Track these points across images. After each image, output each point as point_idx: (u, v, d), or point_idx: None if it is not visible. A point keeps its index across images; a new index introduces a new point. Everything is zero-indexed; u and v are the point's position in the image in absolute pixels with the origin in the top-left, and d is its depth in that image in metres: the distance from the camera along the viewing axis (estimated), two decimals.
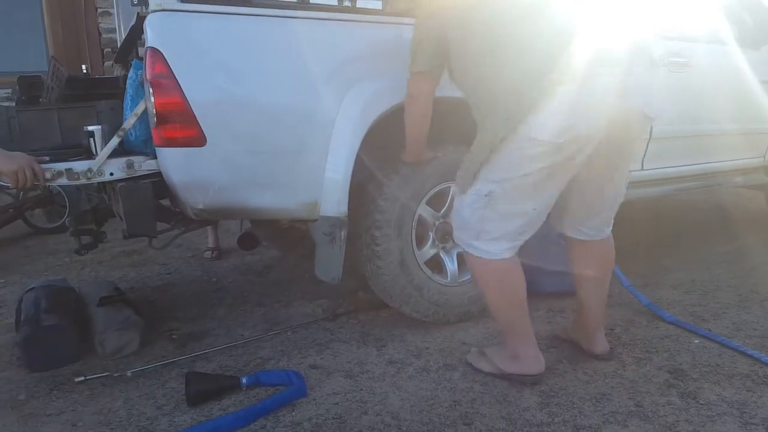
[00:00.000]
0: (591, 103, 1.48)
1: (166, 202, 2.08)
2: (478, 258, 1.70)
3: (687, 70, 2.65)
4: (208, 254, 3.32)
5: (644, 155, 2.65)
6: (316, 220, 1.96)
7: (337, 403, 1.67)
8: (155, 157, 1.88)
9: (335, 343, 2.09)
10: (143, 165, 1.90)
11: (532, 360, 1.74)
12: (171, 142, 1.83)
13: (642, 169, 2.68)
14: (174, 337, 2.19)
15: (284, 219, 2.16)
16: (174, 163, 1.85)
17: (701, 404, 1.59)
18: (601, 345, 1.88)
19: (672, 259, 2.89)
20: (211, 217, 2.05)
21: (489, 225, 1.64)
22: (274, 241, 3.02)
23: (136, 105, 1.89)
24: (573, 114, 1.47)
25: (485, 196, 1.62)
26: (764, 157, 3.12)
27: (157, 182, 1.89)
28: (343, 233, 1.94)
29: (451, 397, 1.68)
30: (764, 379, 1.71)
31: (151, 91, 1.78)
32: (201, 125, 1.80)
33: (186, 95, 1.78)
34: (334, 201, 1.93)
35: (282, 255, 3.21)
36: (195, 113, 1.79)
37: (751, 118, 2.95)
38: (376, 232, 2.04)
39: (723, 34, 2.88)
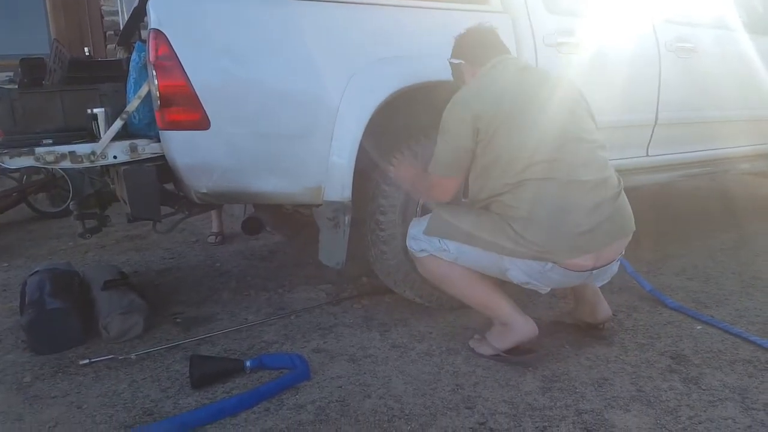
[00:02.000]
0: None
1: (170, 187, 2.09)
2: (429, 257, 1.80)
3: (694, 55, 2.63)
4: (211, 239, 3.33)
5: (649, 141, 2.64)
6: (320, 205, 1.96)
7: (341, 387, 1.68)
8: (159, 141, 1.88)
9: (339, 327, 2.10)
10: (147, 148, 1.89)
11: (521, 325, 1.77)
12: (174, 125, 1.82)
13: (647, 155, 2.67)
14: (178, 320, 2.20)
15: (288, 204, 2.16)
16: (177, 146, 1.84)
17: (703, 389, 1.60)
18: (604, 312, 1.91)
19: (676, 246, 2.89)
20: (215, 201, 2.05)
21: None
22: (278, 226, 3.02)
23: (140, 88, 1.88)
24: None
25: (449, 252, 1.77)
26: None
27: (161, 166, 1.89)
28: (347, 218, 1.94)
29: (454, 381, 1.69)
30: (766, 365, 1.71)
31: (154, 73, 1.77)
32: (205, 108, 1.79)
33: (189, 77, 1.77)
34: (338, 186, 1.93)
35: (286, 240, 3.21)
36: (199, 96, 1.78)
37: (758, 104, 2.93)
38: (381, 217, 2.04)
39: (731, 19, 2.85)
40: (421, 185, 1.90)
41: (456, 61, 1.85)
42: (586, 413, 1.51)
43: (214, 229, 3.37)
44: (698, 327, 1.99)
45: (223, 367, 1.77)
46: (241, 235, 3.14)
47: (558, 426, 1.45)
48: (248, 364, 1.78)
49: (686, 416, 1.48)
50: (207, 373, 1.72)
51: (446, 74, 1.92)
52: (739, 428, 1.42)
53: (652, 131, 2.61)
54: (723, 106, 2.80)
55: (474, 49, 1.82)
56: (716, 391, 1.59)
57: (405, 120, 2.07)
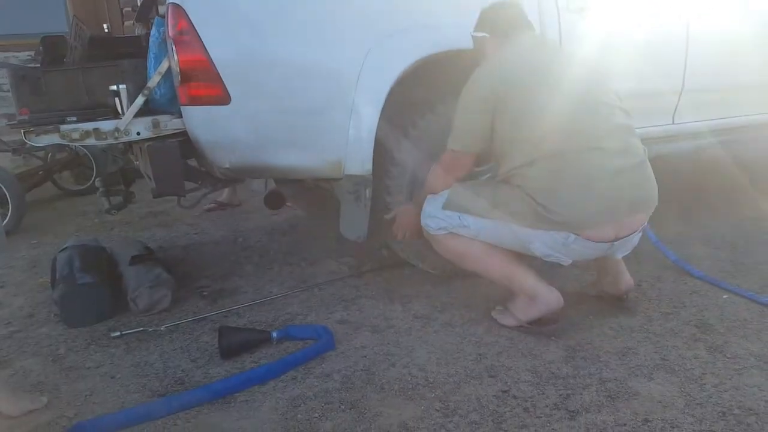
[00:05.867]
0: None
1: (193, 163, 2.10)
2: (448, 235, 1.79)
3: (723, 19, 2.54)
4: (208, 206, 3.38)
5: (675, 109, 2.57)
6: (341, 178, 1.97)
7: (365, 356, 1.71)
8: (181, 116, 1.89)
9: (361, 299, 2.12)
10: (169, 124, 1.91)
11: (546, 295, 1.76)
12: (196, 101, 1.84)
13: (673, 123, 2.61)
14: (204, 294, 2.25)
15: (309, 178, 2.17)
16: (199, 121, 1.86)
17: (728, 357, 1.59)
18: (626, 282, 1.91)
19: (702, 216, 2.84)
20: (237, 176, 2.08)
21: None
22: (299, 200, 3.04)
23: (160, 63, 1.89)
24: None
25: (469, 229, 1.75)
26: None
27: (184, 141, 1.91)
28: (368, 191, 1.95)
29: (476, 350, 1.71)
30: None
31: (174, 48, 1.78)
32: (225, 83, 1.80)
33: (209, 52, 1.77)
34: (358, 159, 1.93)
35: (307, 214, 3.23)
36: (219, 71, 1.79)
37: None
38: (388, 198, 2.04)
39: None
40: (435, 173, 1.84)
41: (479, 35, 1.83)
42: (609, 381, 1.51)
43: (221, 199, 3.42)
44: (724, 296, 1.97)
45: (250, 337, 1.81)
46: (262, 210, 3.16)
47: (581, 394, 1.46)
48: (275, 335, 1.81)
49: (711, 384, 1.48)
50: (235, 343, 1.76)
51: (465, 43, 1.89)
52: (765, 395, 1.41)
53: (679, 98, 2.54)
54: (750, 72, 2.71)
55: (498, 23, 1.80)
56: (741, 359, 1.58)
57: (424, 92, 2.05)
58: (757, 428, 1.30)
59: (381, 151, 1.99)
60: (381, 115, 1.90)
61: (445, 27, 1.99)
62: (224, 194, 3.45)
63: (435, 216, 1.81)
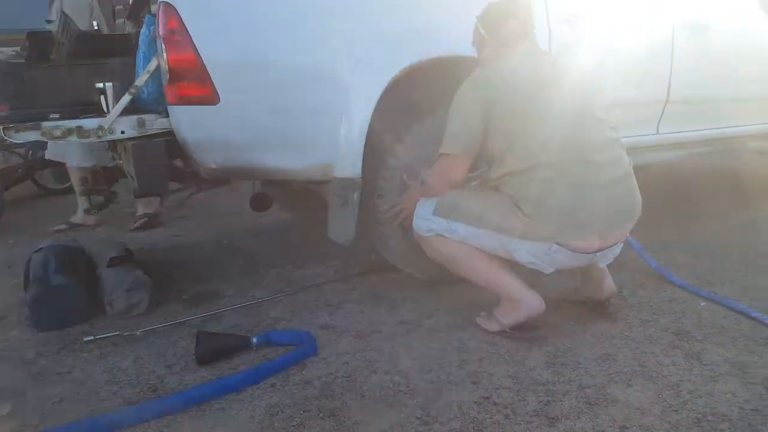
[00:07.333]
0: None
1: (179, 164, 2.09)
2: (437, 237, 1.80)
3: (707, 32, 2.59)
4: (137, 223, 3.14)
5: (660, 118, 2.62)
6: (330, 181, 1.97)
7: (347, 363, 1.70)
8: (167, 116, 1.88)
9: (347, 303, 2.12)
10: (155, 123, 1.90)
11: (529, 300, 1.78)
12: (184, 100, 1.83)
13: (657, 132, 2.66)
14: (184, 297, 2.21)
15: (298, 180, 2.17)
16: (186, 121, 1.85)
17: (704, 365, 1.62)
18: (608, 289, 1.93)
19: (684, 224, 2.89)
20: (224, 177, 2.06)
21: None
22: (287, 202, 3.03)
23: (149, 62, 1.88)
24: None
25: (457, 233, 1.77)
26: None
27: (170, 141, 1.89)
28: (356, 195, 1.95)
29: (460, 356, 1.71)
30: (766, 341, 1.73)
31: (163, 47, 1.77)
32: (214, 83, 1.79)
33: (199, 52, 1.76)
34: (348, 162, 1.93)
35: (294, 217, 3.22)
36: (208, 70, 1.78)
37: (766, 83, 2.90)
38: (378, 200, 2.04)
39: None
40: (430, 179, 1.85)
41: (481, 31, 1.82)
42: (588, 388, 1.53)
43: (142, 212, 3.15)
44: (702, 304, 2.00)
45: (229, 343, 1.78)
46: (248, 212, 3.13)
47: (561, 400, 1.48)
48: (255, 340, 1.78)
49: (687, 390, 1.50)
50: (213, 349, 1.72)
51: (461, 49, 1.90)
52: (738, 402, 1.44)
53: (663, 108, 2.59)
54: (735, 84, 2.77)
55: (502, 29, 1.78)
56: (717, 366, 1.61)
57: (420, 96, 2.06)
58: None
59: (373, 154, 1.99)
60: (373, 117, 1.90)
61: (440, 32, 2.00)
62: (153, 205, 3.21)
63: (426, 218, 1.83)
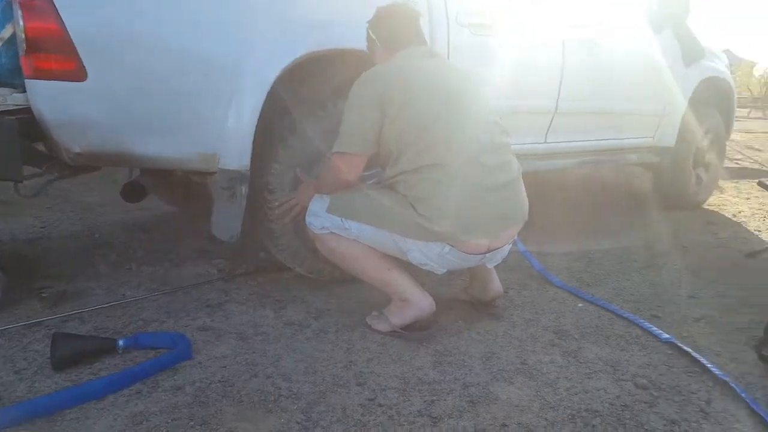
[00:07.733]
0: None
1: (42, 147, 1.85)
2: (330, 235, 1.77)
3: (595, 49, 2.76)
4: None
5: (548, 129, 2.75)
6: (215, 173, 1.83)
7: (225, 366, 1.59)
8: (24, 90, 1.66)
9: (229, 304, 1.99)
10: (8, 98, 1.67)
11: (420, 300, 1.79)
12: (44, 74, 1.62)
13: (545, 142, 2.78)
14: (44, 295, 1.97)
15: (178, 169, 2.00)
16: (46, 98, 1.64)
17: (580, 362, 1.69)
18: (495, 289, 1.99)
19: (565, 229, 3.05)
20: (91, 163, 1.86)
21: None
22: (166, 193, 2.81)
23: (3, 28, 1.65)
24: None
25: (350, 231, 1.75)
26: (653, 137, 3.35)
27: (26, 119, 1.67)
28: (243, 188, 1.83)
29: (347, 357, 1.66)
30: (636, 339, 1.85)
31: (20, 13, 1.56)
32: (81, 57, 1.60)
33: (64, 21, 1.57)
34: (235, 153, 1.81)
35: (176, 210, 3.00)
36: (75, 42, 1.59)
37: (645, 99, 3.15)
38: (269, 195, 1.95)
39: (629, 16, 3.03)
40: (324, 177, 1.81)
41: (372, 36, 1.82)
42: (472, 386, 1.54)
43: None
44: (580, 304, 2.11)
45: (90, 346, 1.60)
46: (122, 203, 2.88)
47: (445, 399, 1.47)
48: (121, 343, 1.62)
49: (564, 388, 1.55)
50: (71, 352, 1.54)
51: (355, 42, 1.86)
52: (609, 398, 1.51)
53: (552, 119, 2.72)
54: (615, 99, 2.98)
55: (390, 32, 1.80)
56: (592, 363, 1.69)
57: (313, 89, 1.99)
58: (601, 429, 1.38)
59: (264, 145, 1.89)
60: (264, 107, 1.80)
61: (334, 25, 1.95)
62: None
63: (319, 215, 1.78)
